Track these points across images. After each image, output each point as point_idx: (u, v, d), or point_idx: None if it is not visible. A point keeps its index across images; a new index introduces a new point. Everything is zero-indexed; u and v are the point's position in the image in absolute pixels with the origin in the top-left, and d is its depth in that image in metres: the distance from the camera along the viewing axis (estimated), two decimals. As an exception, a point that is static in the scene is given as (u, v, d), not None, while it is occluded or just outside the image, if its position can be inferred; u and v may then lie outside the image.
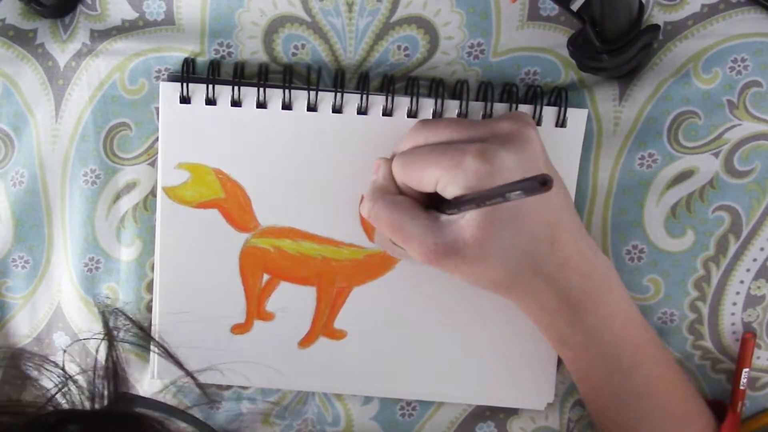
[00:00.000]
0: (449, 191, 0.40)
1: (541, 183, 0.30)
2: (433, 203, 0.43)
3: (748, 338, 0.48)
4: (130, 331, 0.50)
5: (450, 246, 0.41)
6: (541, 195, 0.32)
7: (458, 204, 0.40)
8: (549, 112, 0.46)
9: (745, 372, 0.48)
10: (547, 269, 0.42)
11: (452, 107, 0.46)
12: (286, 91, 0.46)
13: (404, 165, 0.43)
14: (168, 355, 0.50)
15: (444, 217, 0.41)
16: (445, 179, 0.40)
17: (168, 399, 0.52)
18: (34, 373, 0.53)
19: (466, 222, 0.40)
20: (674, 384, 0.46)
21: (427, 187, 0.41)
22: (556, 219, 0.42)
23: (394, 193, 0.44)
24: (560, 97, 0.46)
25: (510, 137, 0.41)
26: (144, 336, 0.51)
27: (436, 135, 0.43)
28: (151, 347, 0.51)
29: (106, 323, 0.51)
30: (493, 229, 0.40)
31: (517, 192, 0.32)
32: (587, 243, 0.43)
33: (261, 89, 0.46)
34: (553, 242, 0.41)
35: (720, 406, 0.48)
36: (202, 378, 0.51)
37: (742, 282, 0.48)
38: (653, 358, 0.46)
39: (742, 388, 0.49)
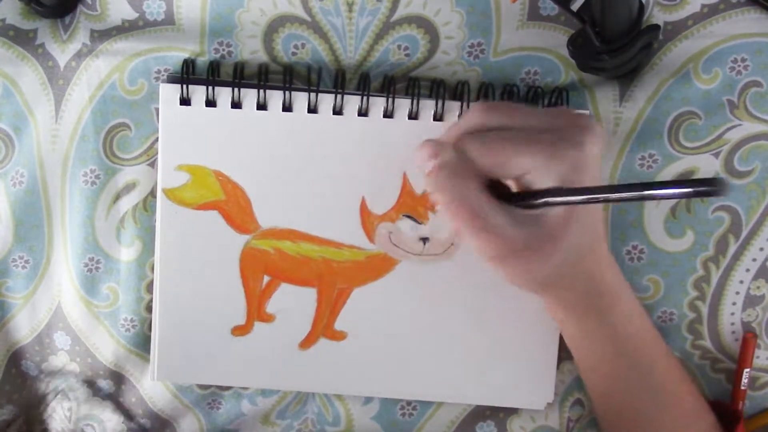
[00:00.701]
0: (542, 182, 0.38)
1: (719, 184, 0.26)
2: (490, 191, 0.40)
3: (749, 338, 0.48)
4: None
5: (529, 242, 0.39)
6: None
7: (553, 195, 0.37)
8: (549, 113, 0.46)
9: (746, 372, 0.48)
10: (587, 265, 0.42)
11: (453, 108, 0.46)
12: (287, 92, 0.46)
13: (487, 147, 0.39)
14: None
15: (520, 211, 0.39)
16: (540, 169, 0.38)
17: (168, 398, 0.52)
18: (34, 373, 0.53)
19: (550, 219, 0.39)
20: (684, 381, 0.47)
21: (510, 174, 0.39)
22: (600, 215, 0.42)
23: (465, 177, 0.40)
24: (561, 97, 0.46)
25: (589, 129, 0.39)
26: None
27: (511, 119, 0.40)
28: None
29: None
30: (569, 227, 0.39)
31: (680, 192, 0.27)
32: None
33: (261, 90, 0.46)
34: (597, 237, 0.42)
35: (720, 406, 0.48)
36: (202, 379, 0.51)
37: (741, 282, 0.48)
38: (666, 355, 0.46)
39: (743, 388, 0.49)
